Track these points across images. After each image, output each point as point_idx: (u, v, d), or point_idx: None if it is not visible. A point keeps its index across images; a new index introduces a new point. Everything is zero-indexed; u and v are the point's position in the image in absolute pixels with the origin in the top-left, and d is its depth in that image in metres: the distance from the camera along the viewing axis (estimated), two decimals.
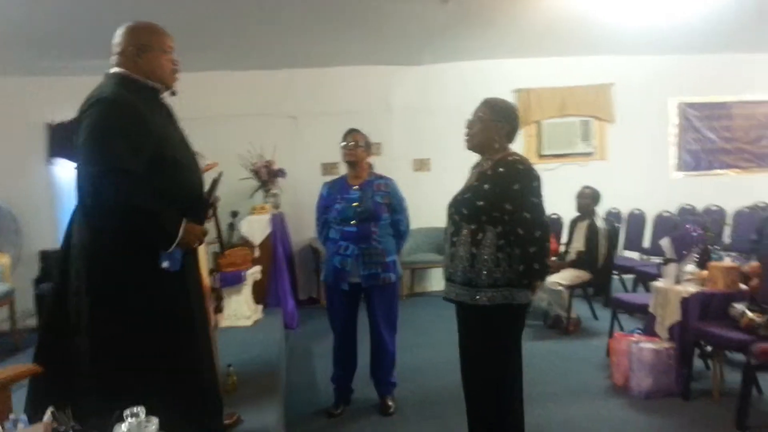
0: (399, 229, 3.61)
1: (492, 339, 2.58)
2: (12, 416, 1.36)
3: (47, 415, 1.20)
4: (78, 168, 2.00)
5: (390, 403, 3.61)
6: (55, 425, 1.16)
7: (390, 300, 3.58)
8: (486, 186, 2.56)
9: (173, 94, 2.29)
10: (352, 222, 3.45)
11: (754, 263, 4.05)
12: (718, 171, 7.74)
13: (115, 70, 2.17)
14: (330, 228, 3.58)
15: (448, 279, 2.67)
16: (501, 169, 2.56)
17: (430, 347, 4.87)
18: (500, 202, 2.52)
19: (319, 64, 6.90)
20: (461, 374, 2.79)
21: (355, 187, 3.54)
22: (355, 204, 3.47)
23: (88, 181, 1.96)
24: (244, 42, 5.90)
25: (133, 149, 1.99)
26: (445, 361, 4.34)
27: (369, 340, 3.63)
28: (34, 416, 1.50)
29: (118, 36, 2.20)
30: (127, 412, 1.22)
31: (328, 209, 3.58)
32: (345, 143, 3.54)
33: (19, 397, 2.08)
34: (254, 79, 6.93)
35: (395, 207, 3.57)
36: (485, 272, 2.51)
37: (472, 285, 2.54)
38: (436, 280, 7.12)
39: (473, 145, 2.68)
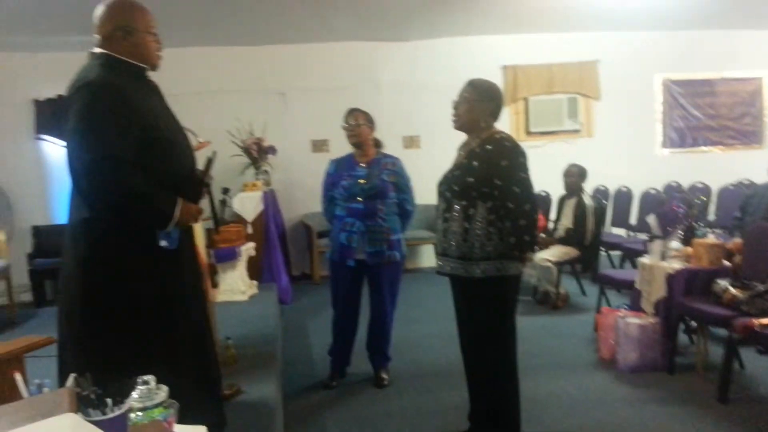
0: (405, 209, 3.63)
1: (487, 310, 2.66)
2: (37, 381, 1.42)
3: (70, 381, 1.25)
4: (69, 152, 1.98)
5: (384, 376, 3.69)
6: (77, 390, 1.21)
7: (394, 278, 3.62)
8: (475, 163, 2.63)
9: (154, 69, 2.28)
10: (358, 198, 3.47)
11: (737, 240, 4.14)
12: (703, 148, 7.81)
13: (99, 50, 2.13)
14: (336, 205, 3.59)
15: (442, 254, 2.74)
16: (489, 147, 2.63)
17: (423, 322, 4.95)
18: (490, 178, 2.59)
19: (305, 39, 6.83)
20: (460, 346, 2.88)
21: (362, 165, 3.54)
22: (361, 181, 3.48)
23: (81, 165, 1.95)
24: (228, 17, 5.82)
25: (122, 134, 1.97)
26: (438, 336, 4.45)
27: (367, 315, 3.69)
28: (61, 384, 1.53)
29: (99, 15, 2.13)
30: (138, 380, 1.26)
31: (334, 186, 3.58)
32: (347, 124, 3.53)
33: (46, 365, 2.12)
34: (240, 55, 6.87)
35: (401, 186, 3.59)
36: (478, 246, 2.60)
37: (465, 258, 2.62)
38: (427, 257, 7.19)
39: (460, 125, 2.75)
